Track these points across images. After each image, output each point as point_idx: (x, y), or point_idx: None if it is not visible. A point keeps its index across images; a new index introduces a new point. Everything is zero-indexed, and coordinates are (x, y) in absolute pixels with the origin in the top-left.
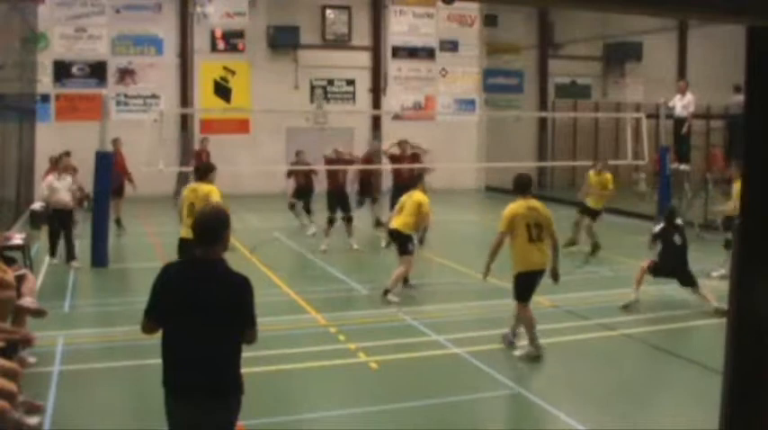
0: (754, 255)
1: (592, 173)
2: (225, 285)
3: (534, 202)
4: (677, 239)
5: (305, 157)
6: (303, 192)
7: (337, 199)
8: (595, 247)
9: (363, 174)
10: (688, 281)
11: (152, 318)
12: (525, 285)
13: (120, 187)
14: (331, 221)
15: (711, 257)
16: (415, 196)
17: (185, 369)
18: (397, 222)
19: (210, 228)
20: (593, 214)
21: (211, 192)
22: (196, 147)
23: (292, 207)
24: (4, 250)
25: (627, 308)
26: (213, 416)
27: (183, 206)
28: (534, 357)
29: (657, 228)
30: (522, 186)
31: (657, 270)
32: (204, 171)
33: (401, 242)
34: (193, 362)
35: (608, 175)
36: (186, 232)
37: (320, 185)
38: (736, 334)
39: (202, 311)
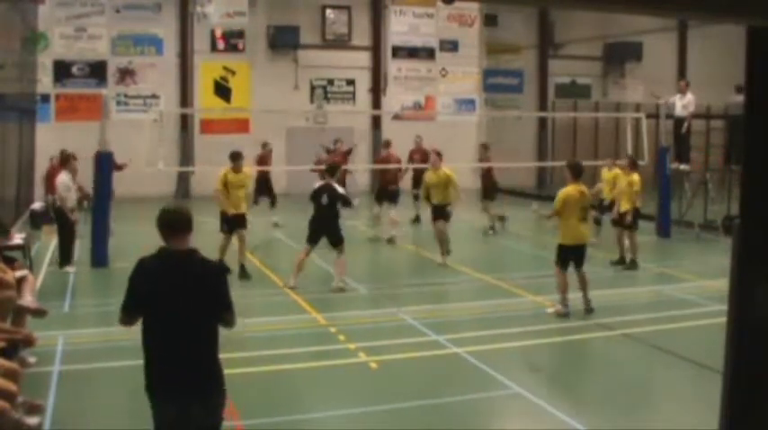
0: (754, 255)
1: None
2: (201, 274)
3: (583, 187)
4: (324, 199)
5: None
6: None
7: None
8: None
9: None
10: (335, 241)
11: (129, 312)
12: (567, 255)
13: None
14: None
15: (711, 258)
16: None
17: (167, 362)
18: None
19: (183, 219)
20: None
21: None
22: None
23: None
24: (4, 250)
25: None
26: (198, 407)
27: None
28: (562, 315)
29: (317, 185)
30: (578, 171)
31: (309, 236)
32: None
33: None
34: (174, 354)
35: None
36: None
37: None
38: (736, 334)
39: (180, 301)
